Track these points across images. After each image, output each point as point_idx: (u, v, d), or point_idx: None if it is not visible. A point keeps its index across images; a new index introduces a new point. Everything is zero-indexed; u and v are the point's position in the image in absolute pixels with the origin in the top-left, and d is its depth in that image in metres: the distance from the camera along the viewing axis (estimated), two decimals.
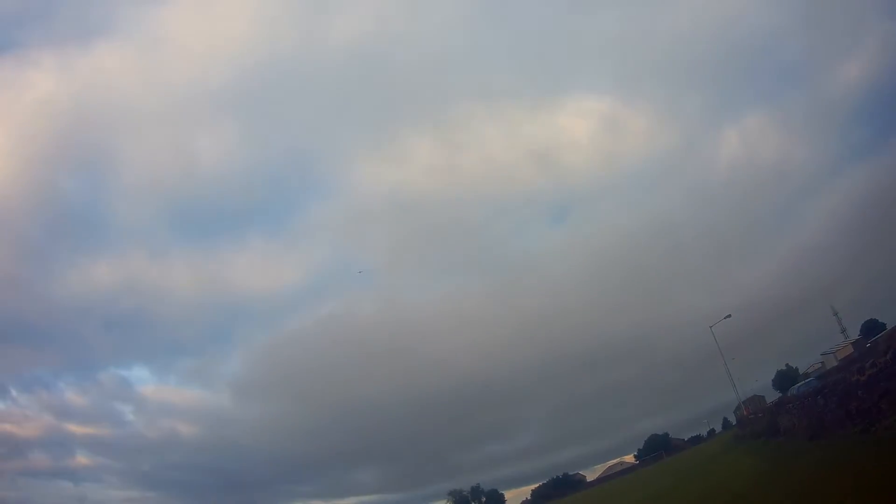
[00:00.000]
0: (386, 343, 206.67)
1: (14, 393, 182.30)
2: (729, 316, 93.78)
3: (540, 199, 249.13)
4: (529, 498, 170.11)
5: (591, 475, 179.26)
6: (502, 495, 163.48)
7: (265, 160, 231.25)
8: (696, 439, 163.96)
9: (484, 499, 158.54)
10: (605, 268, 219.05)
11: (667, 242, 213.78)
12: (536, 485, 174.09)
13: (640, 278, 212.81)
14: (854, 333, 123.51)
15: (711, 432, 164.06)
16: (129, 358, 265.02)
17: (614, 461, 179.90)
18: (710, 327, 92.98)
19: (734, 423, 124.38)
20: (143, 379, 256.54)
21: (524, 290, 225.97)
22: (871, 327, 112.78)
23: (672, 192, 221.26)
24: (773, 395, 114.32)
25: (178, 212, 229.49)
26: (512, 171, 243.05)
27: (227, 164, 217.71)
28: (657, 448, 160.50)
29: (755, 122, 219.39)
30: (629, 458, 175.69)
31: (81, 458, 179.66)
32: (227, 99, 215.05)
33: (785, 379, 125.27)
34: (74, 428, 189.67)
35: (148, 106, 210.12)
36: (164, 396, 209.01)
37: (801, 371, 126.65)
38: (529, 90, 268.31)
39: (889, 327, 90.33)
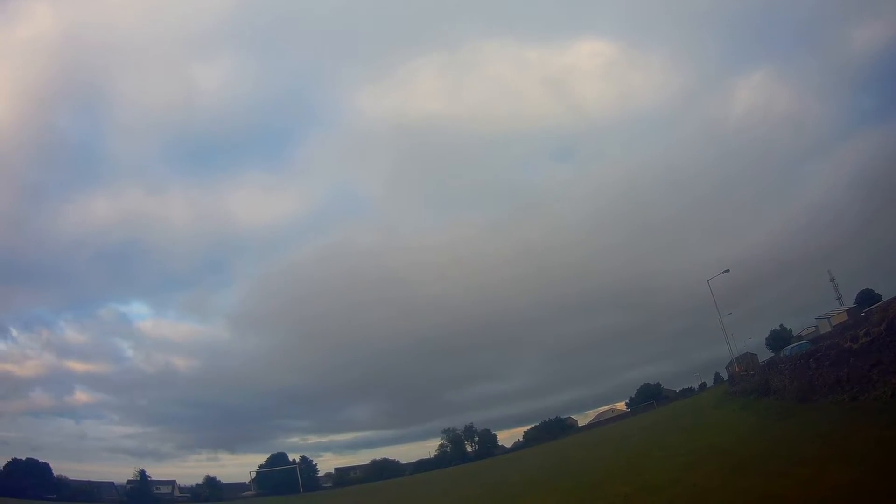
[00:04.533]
0: (384, 275, 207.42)
1: (14, 332, 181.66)
2: (727, 271, 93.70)
3: (547, 131, 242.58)
4: (522, 439, 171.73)
5: (582, 420, 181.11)
6: (495, 436, 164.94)
7: (263, 92, 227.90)
8: (688, 391, 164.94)
9: (477, 438, 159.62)
10: (608, 209, 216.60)
11: (672, 189, 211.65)
12: (529, 427, 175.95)
13: (643, 223, 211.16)
14: (849, 301, 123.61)
15: (703, 386, 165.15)
16: (127, 293, 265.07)
17: (606, 408, 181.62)
18: (708, 281, 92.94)
19: (726, 378, 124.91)
20: (141, 314, 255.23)
21: (526, 225, 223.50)
22: (866, 297, 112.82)
23: (682, 138, 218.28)
24: (765, 355, 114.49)
25: (175, 146, 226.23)
26: (520, 99, 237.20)
27: (225, 97, 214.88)
28: (649, 398, 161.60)
29: (768, 76, 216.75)
30: (621, 406, 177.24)
31: (81, 396, 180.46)
32: (223, 31, 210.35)
33: (778, 339, 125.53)
34: (74, 365, 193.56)
35: (144, 39, 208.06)
36: (162, 331, 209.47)
37: (794, 333, 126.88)
38: (543, 16, 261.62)
39: (884, 299, 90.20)
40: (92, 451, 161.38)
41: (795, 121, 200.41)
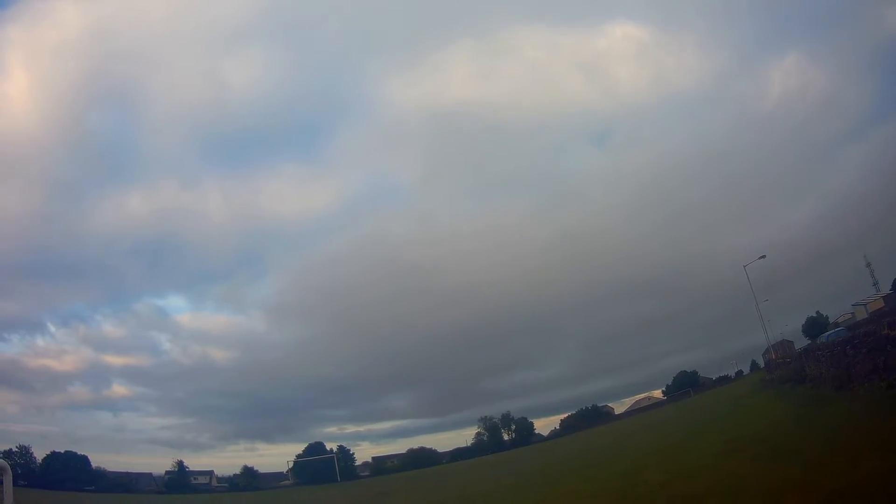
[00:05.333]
0: (420, 264, 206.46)
1: (52, 328, 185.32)
2: (763, 256, 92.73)
3: (582, 116, 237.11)
4: (558, 427, 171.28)
5: (619, 408, 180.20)
6: (532, 424, 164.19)
7: (295, 84, 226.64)
8: (724, 379, 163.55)
9: (514, 426, 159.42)
10: (644, 194, 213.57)
11: (708, 173, 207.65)
12: (565, 415, 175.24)
13: (679, 208, 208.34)
14: (885, 287, 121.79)
15: (739, 373, 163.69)
16: (164, 287, 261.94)
17: (642, 395, 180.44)
18: (744, 266, 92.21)
19: (762, 366, 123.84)
20: (178, 307, 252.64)
21: (562, 211, 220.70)
22: None
23: (716, 121, 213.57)
24: (801, 342, 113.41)
25: (208, 140, 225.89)
26: (554, 84, 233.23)
27: (257, 90, 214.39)
28: (685, 385, 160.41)
29: (803, 58, 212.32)
30: (657, 394, 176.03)
31: (119, 389, 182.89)
32: (253, 24, 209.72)
33: (814, 326, 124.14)
34: (112, 359, 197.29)
35: (173, 35, 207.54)
36: (199, 324, 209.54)
37: (830, 320, 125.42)
38: (574, 1, 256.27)
39: None
40: (130, 443, 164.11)
41: (831, 103, 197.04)
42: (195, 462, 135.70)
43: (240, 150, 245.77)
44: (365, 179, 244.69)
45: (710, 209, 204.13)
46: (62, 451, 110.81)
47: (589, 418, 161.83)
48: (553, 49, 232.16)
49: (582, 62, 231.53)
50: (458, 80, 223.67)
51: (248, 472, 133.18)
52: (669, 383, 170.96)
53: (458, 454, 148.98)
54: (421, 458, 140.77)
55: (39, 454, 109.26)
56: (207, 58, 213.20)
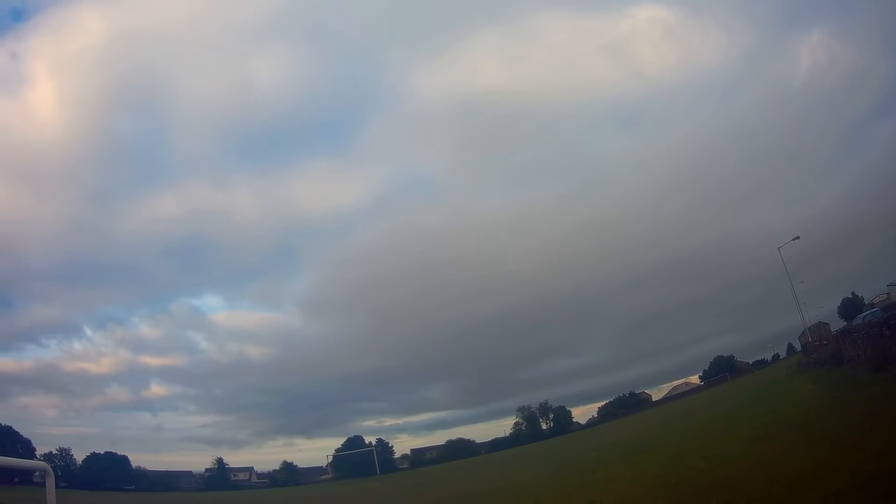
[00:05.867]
0: (453, 254, 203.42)
1: (88, 332, 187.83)
2: (797, 237, 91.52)
3: (609, 101, 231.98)
4: (596, 415, 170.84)
5: (656, 394, 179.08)
6: (569, 412, 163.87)
7: (321, 80, 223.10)
8: (761, 363, 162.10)
9: (551, 415, 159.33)
10: (674, 177, 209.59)
11: (738, 153, 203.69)
12: (603, 402, 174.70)
13: (710, 190, 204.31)
14: None
15: (776, 357, 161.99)
16: (199, 287, 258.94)
17: (679, 381, 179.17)
18: (779, 248, 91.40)
19: (798, 349, 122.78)
20: (214, 306, 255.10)
21: (593, 197, 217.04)
22: None
23: (744, 101, 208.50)
24: (837, 324, 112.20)
25: (237, 139, 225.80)
26: (580, 69, 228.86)
27: (284, 87, 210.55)
28: (722, 370, 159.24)
29: (830, 32, 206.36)
30: (694, 379, 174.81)
31: (158, 389, 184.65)
32: (276, 21, 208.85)
33: (850, 307, 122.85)
34: (149, 360, 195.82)
35: (196, 36, 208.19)
36: (235, 322, 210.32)
37: (866, 301, 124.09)
38: None
39: None
40: (169, 442, 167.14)
41: (860, 78, 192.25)
42: (235, 459, 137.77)
43: (269, 147, 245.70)
44: (394, 171, 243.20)
45: (742, 190, 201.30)
46: (102, 452, 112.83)
47: (627, 405, 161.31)
48: (577, 34, 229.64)
49: (607, 45, 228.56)
50: (483, 69, 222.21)
51: (288, 467, 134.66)
52: (706, 368, 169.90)
53: (496, 444, 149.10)
54: (460, 450, 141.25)
55: (79, 456, 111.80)
56: (233, 58, 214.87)
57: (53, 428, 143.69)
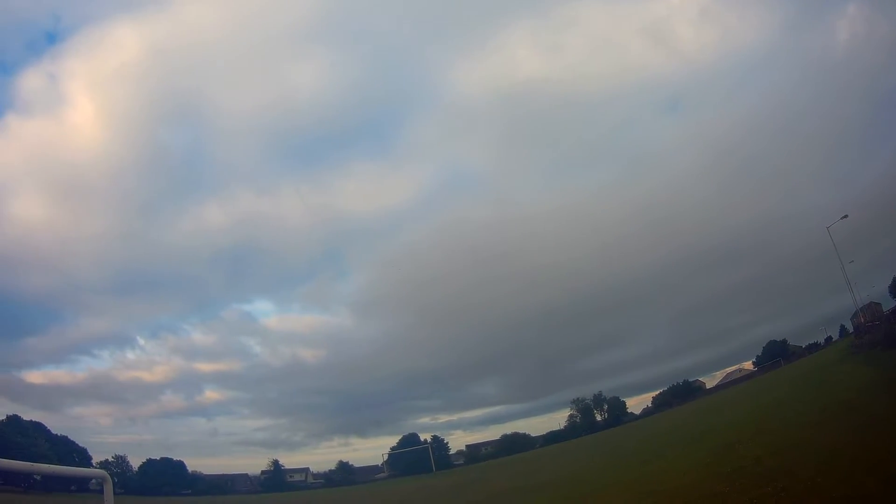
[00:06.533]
0: (502, 247, 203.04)
1: (141, 341, 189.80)
2: (846, 216, 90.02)
3: (650, 84, 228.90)
4: (650, 405, 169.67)
5: (710, 382, 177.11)
6: (624, 403, 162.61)
7: (361, 82, 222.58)
8: (814, 346, 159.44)
9: (606, 406, 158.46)
10: (719, 159, 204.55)
11: (782, 132, 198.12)
12: (657, 392, 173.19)
13: (755, 171, 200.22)
14: None
15: (829, 339, 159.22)
16: (249, 293, 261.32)
17: (733, 368, 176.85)
18: (827, 228, 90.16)
19: (851, 330, 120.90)
20: (265, 311, 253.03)
21: (639, 183, 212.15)
22: None
23: (785, 77, 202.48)
24: (889, 303, 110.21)
25: (280, 146, 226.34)
26: (618, 53, 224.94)
27: (324, 91, 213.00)
28: (775, 355, 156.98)
29: (867, 2, 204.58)
30: (748, 365, 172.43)
31: (212, 394, 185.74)
32: (313, 26, 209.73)
33: None
34: (202, 366, 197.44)
35: (234, 46, 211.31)
36: (286, 325, 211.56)
37: None
38: None
39: None
40: (224, 446, 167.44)
41: None
42: (290, 461, 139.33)
43: (312, 152, 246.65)
44: (438, 168, 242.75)
45: (788, 169, 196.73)
46: (158, 458, 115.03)
47: (680, 394, 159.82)
48: (614, 18, 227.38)
49: (644, 28, 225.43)
50: (522, 60, 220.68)
51: (344, 466, 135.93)
52: (759, 354, 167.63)
53: (551, 437, 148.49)
54: (515, 444, 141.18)
55: (135, 462, 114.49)
56: (271, 64, 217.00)
57: (109, 436, 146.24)
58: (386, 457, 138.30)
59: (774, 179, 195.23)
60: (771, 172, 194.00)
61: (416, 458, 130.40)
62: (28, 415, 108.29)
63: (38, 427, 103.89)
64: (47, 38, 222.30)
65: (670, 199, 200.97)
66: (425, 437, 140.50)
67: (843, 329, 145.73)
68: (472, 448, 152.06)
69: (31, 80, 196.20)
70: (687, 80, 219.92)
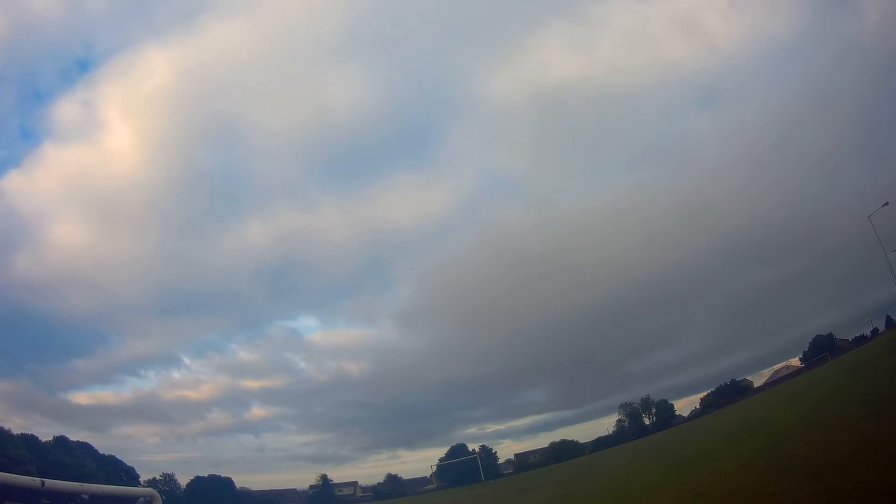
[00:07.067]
0: (543, 250, 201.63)
1: (187, 361, 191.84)
2: (887, 203, 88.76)
3: (685, 78, 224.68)
4: (698, 407, 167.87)
5: (757, 380, 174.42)
6: (672, 405, 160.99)
7: (397, 95, 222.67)
8: (860, 339, 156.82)
9: (654, 409, 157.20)
10: (758, 150, 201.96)
11: (819, 120, 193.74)
12: (704, 393, 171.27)
13: (797, 160, 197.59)
14: None
15: (875, 331, 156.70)
16: (294, 309, 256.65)
17: (780, 365, 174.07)
18: (869, 217, 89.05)
19: None
20: (310, 327, 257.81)
21: (679, 178, 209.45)
22: None
23: (820, 60, 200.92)
24: None
25: (318, 161, 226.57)
26: (651, 47, 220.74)
27: (361, 105, 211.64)
28: (822, 350, 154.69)
29: None
30: (794, 362, 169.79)
31: (258, 411, 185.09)
32: (346, 42, 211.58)
33: None
34: (249, 383, 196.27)
35: (267, 64, 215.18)
36: (331, 340, 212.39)
37: None
38: None
39: None
40: (272, 462, 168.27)
41: None
42: (339, 475, 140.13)
43: (351, 165, 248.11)
44: (478, 175, 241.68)
45: (827, 157, 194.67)
46: (206, 476, 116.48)
47: (728, 394, 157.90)
48: (644, 13, 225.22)
49: (675, 21, 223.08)
50: (555, 61, 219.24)
51: (392, 479, 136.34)
52: (806, 349, 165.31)
53: (600, 443, 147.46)
54: (563, 451, 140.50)
55: (183, 480, 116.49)
56: (305, 80, 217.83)
57: (156, 455, 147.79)
58: (434, 468, 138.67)
59: (814, 168, 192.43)
60: (810, 161, 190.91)
61: (464, 468, 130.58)
62: (75, 435, 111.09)
63: (85, 447, 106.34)
64: (79, 66, 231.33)
65: (711, 193, 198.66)
66: (473, 447, 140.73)
67: (888, 320, 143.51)
68: (520, 457, 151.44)
69: (66, 108, 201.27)
70: (721, 71, 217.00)
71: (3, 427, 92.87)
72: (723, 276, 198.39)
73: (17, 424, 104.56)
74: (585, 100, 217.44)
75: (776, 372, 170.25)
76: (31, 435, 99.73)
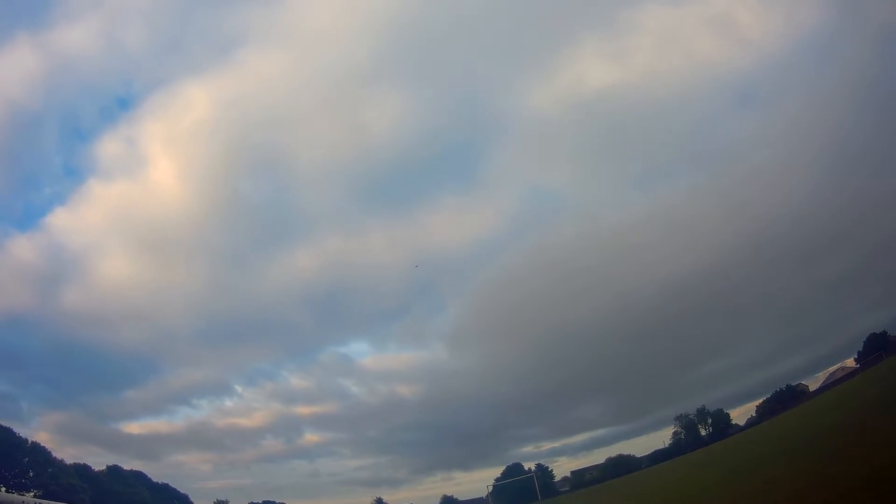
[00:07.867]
0: (591, 263, 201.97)
1: (239, 389, 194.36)
2: None
3: (724, 78, 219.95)
4: (754, 415, 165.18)
5: (813, 384, 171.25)
6: (728, 415, 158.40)
7: (438, 118, 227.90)
8: None
9: (709, 420, 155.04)
10: (804, 147, 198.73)
11: (863, 111, 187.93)
12: (760, 400, 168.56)
13: (841, 153, 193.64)
14: None
15: None
16: (345, 335, 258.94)
17: (835, 367, 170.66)
18: None
19: None
20: (361, 352, 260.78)
21: (726, 181, 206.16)
22: None
23: (859, 51, 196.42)
24: None
25: (363, 187, 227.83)
26: (687, 47, 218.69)
27: (402, 129, 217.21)
28: (877, 349, 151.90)
29: None
30: (849, 362, 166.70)
31: (311, 437, 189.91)
32: (380, 64, 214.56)
33: None
34: (302, 410, 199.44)
35: (304, 94, 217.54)
36: (383, 364, 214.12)
37: None
38: None
39: None
40: (327, 487, 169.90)
41: None
42: (394, 498, 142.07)
43: (395, 189, 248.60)
44: (522, 190, 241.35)
45: (872, 149, 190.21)
46: (260, 502, 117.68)
47: (784, 400, 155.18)
48: (677, 15, 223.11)
49: (708, 20, 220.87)
50: (592, 71, 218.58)
51: (448, 500, 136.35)
52: (860, 349, 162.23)
53: (656, 456, 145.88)
54: (620, 466, 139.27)
55: None
56: (345, 107, 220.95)
57: (209, 482, 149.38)
58: (490, 488, 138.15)
59: (859, 162, 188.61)
60: (855, 153, 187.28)
61: (521, 487, 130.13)
62: (128, 464, 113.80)
63: (138, 476, 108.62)
64: (119, 104, 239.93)
65: (755, 194, 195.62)
66: (529, 465, 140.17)
67: None
68: (576, 473, 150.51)
69: (109, 145, 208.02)
70: (758, 68, 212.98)
71: (56, 457, 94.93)
72: (772, 279, 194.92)
73: (70, 454, 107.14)
74: (624, 106, 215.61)
75: (832, 374, 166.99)
76: (84, 464, 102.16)
